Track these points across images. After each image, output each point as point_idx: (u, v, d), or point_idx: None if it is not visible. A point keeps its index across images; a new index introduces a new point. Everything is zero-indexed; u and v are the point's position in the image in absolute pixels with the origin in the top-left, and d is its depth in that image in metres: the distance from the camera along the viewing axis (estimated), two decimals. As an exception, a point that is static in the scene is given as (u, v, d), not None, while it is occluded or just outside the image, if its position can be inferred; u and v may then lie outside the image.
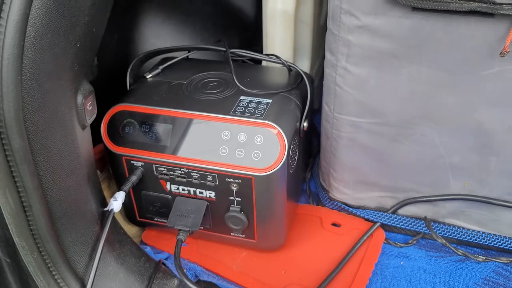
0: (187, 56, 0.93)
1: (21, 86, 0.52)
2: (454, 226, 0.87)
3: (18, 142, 0.53)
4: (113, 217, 0.74)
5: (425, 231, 0.89)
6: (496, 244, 0.85)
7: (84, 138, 0.67)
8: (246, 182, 0.74)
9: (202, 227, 0.83)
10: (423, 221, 0.88)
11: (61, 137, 0.60)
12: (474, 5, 0.62)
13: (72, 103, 0.62)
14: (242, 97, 0.79)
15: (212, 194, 0.78)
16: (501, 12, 0.61)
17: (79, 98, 0.63)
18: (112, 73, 0.89)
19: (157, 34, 1.06)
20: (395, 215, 0.89)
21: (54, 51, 0.55)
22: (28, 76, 0.53)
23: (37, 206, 0.58)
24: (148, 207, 0.84)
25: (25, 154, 0.55)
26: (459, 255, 0.86)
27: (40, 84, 0.54)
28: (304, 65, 1.06)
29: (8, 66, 0.50)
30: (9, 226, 0.59)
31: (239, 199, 0.77)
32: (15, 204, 0.57)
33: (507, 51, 0.64)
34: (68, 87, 0.60)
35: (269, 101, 0.78)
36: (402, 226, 0.89)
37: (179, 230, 0.76)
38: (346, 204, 0.92)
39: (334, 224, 0.92)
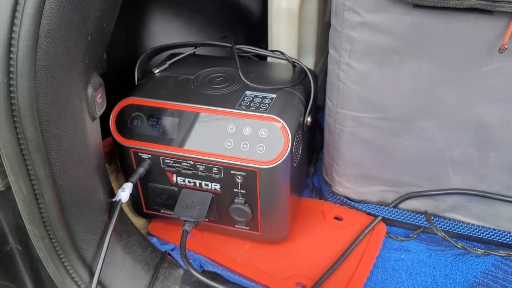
0: (194, 52, 0.95)
1: (35, 77, 0.54)
2: (454, 220, 0.88)
3: (32, 131, 0.55)
4: (121, 208, 0.75)
5: (426, 225, 0.89)
6: (495, 238, 0.86)
7: (93, 129, 0.68)
8: (250, 174, 0.75)
9: (207, 219, 0.84)
10: (423, 215, 0.89)
11: (72, 128, 0.62)
12: (473, 2, 0.63)
13: (83, 95, 0.64)
14: (247, 92, 0.80)
15: (217, 186, 0.79)
16: (499, 9, 0.62)
17: (90, 90, 0.64)
18: (121, 68, 0.90)
19: (165, 31, 1.07)
20: (396, 209, 0.90)
21: (66, 44, 0.56)
22: (42, 68, 0.54)
23: (48, 194, 0.60)
24: (155, 199, 0.85)
25: (38, 143, 0.56)
26: (458, 248, 0.87)
27: (53, 76, 0.56)
28: (309, 62, 1.07)
29: (23, 58, 0.52)
30: (21, 213, 0.61)
31: (244, 191, 0.78)
32: (27, 191, 0.59)
33: (506, 47, 0.65)
34: (79, 79, 0.62)
35: (274, 95, 0.79)
36: (403, 220, 0.90)
37: (185, 221, 0.77)
38: (348, 198, 0.93)
39: (336, 218, 0.93)
